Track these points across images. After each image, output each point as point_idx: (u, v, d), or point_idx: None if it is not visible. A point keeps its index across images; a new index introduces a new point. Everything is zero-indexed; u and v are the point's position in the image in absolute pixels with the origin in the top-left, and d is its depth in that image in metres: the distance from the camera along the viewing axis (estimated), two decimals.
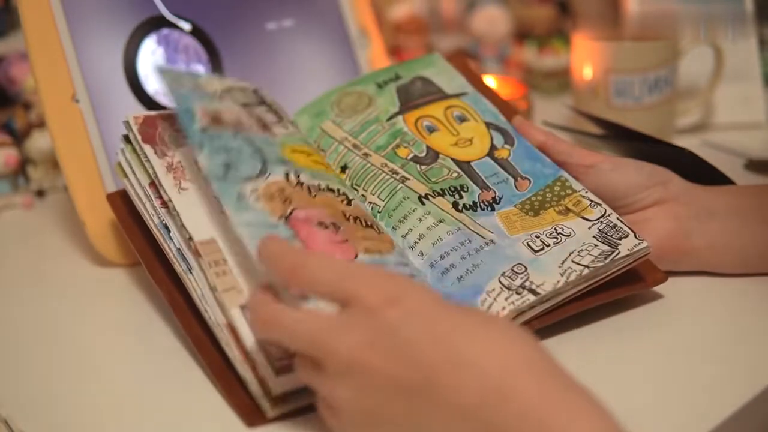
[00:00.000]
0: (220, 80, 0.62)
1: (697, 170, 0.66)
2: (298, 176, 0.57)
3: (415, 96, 0.68)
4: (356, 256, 0.55)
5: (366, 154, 0.64)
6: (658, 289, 0.60)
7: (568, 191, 0.60)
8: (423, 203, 0.60)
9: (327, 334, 0.42)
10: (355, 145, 0.64)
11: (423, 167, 0.62)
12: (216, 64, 0.75)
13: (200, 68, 0.74)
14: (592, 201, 0.59)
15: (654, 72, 0.86)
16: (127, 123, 0.60)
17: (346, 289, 0.43)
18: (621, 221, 0.58)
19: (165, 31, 0.74)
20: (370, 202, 0.61)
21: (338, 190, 0.59)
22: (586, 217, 0.58)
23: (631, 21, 0.96)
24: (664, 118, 0.89)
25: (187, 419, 0.51)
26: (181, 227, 0.55)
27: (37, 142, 0.84)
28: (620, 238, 0.57)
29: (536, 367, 0.40)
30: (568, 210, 0.59)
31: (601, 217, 0.58)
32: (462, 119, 0.65)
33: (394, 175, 0.62)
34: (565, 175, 0.61)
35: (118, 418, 0.52)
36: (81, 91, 0.69)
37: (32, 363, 0.58)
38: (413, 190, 0.61)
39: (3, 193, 0.82)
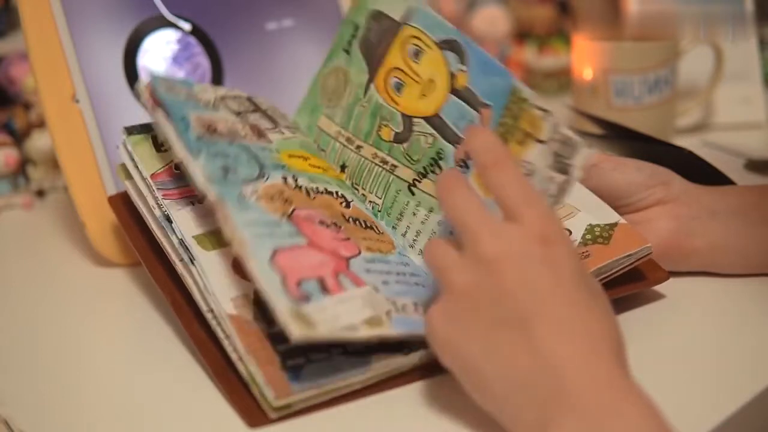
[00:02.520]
0: (214, 89, 0.62)
1: (697, 170, 0.66)
2: (296, 180, 0.57)
3: (374, 46, 0.64)
4: (359, 253, 0.55)
5: (359, 147, 0.63)
6: (659, 288, 0.60)
7: (523, 105, 0.54)
8: (413, 193, 0.60)
9: (484, 231, 0.46)
10: (348, 139, 0.64)
11: (405, 146, 0.61)
12: (216, 64, 0.75)
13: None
14: (540, 108, 0.53)
15: (654, 72, 0.86)
16: (137, 89, 0.58)
17: (521, 208, 0.47)
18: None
19: (190, 40, 0.74)
20: (371, 202, 0.61)
21: (336, 192, 0.59)
22: (539, 138, 0.53)
23: (631, 21, 0.96)
24: (664, 118, 0.89)
25: (187, 420, 0.51)
26: (195, 184, 0.54)
27: (37, 142, 0.83)
28: (571, 157, 0.52)
29: (611, 355, 0.44)
30: (526, 136, 0.54)
31: (552, 132, 0.53)
32: (417, 53, 0.62)
33: (384, 166, 0.62)
34: (515, 83, 0.55)
35: (118, 419, 0.52)
36: (81, 91, 0.69)
37: (32, 363, 0.58)
38: (403, 180, 0.60)
39: (3, 193, 0.82)
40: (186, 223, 0.57)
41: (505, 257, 0.45)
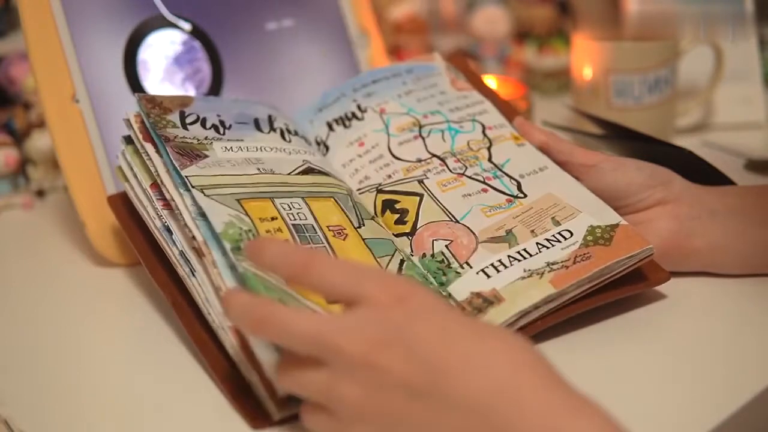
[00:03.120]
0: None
1: (697, 170, 0.66)
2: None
3: None
4: None
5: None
6: (660, 289, 0.60)
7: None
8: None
9: (335, 333, 0.42)
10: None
11: None
12: (216, 64, 0.75)
13: (191, 90, 0.74)
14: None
15: (654, 72, 0.86)
16: (127, 121, 0.60)
17: (355, 288, 0.43)
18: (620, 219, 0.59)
19: (195, 44, 0.74)
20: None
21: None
22: None
23: (631, 21, 0.96)
24: (664, 118, 0.89)
25: (189, 420, 0.51)
26: (184, 226, 0.55)
27: (37, 142, 0.83)
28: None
29: (539, 369, 0.41)
30: None
31: None
32: None
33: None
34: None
35: (118, 419, 0.52)
36: (81, 91, 0.69)
37: (32, 363, 0.58)
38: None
39: (3, 193, 0.82)
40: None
41: (377, 346, 0.41)
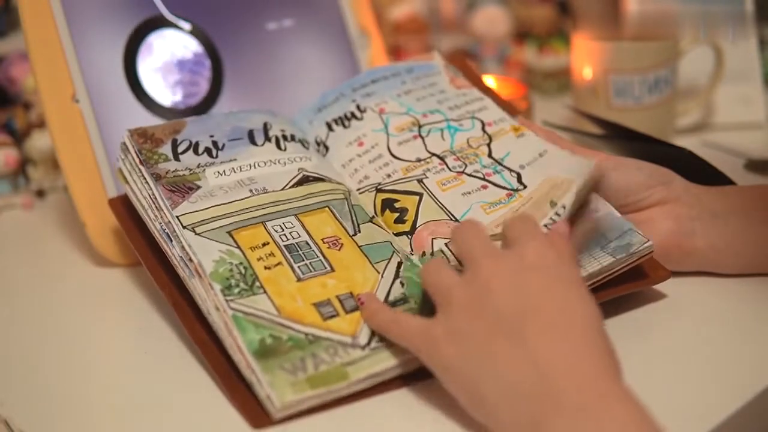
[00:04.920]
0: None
1: (697, 170, 0.66)
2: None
3: None
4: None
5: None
6: (660, 288, 0.60)
7: None
8: None
9: (481, 254, 0.50)
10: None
11: None
12: (216, 64, 0.75)
13: (178, 95, 0.73)
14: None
15: (654, 72, 0.86)
16: (124, 145, 0.62)
17: (518, 238, 0.50)
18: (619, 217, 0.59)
19: (205, 61, 0.74)
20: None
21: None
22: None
23: (631, 21, 0.96)
24: (664, 118, 0.89)
25: (189, 420, 0.51)
26: (182, 248, 0.55)
27: (37, 142, 0.83)
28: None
29: (599, 359, 0.46)
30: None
31: None
32: None
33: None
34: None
35: (118, 419, 0.52)
36: (81, 91, 0.69)
37: (32, 363, 0.58)
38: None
39: (3, 193, 0.82)
40: None
41: (497, 275, 0.48)
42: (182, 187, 0.59)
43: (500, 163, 0.63)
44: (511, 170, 0.62)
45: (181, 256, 0.56)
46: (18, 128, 0.85)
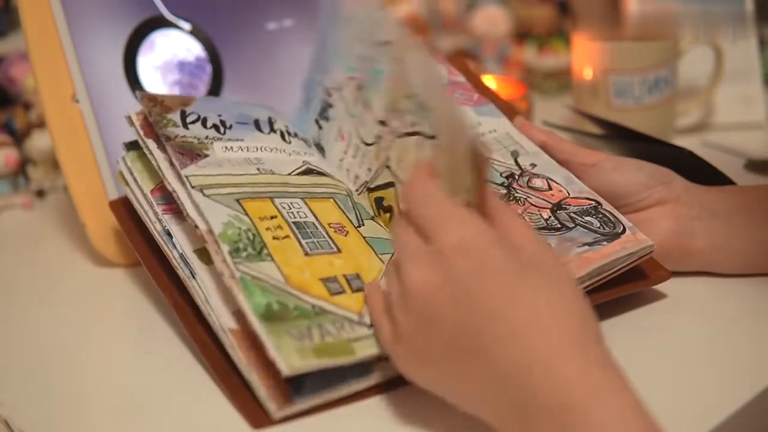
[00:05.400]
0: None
1: (697, 170, 0.66)
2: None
3: None
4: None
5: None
6: (660, 288, 0.60)
7: None
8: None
9: (411, 255, 0.46)
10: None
11: None
12: (216, 64, 0.75)
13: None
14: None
15: (654, 72, 0.86)
16: (129, 119, 0.60)
17: (432, 226, 0.45)
18: (615, 215, 0.58)
19: (207, 67, 0.74)
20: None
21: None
22: None
23: (631, 21, 0.96)
24: (664, 118, 0.89)
25: (190, 421, 0.51)
26: (187, 216, 0.55)
27: (37, 142, 0.83)
28: None
29: (585, 343, 0.42)
30: None
31: None
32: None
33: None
34: None
35: (118, 419, 0.52)
36: (81, 91, 0.69)
37: (32, 363, 0.58)
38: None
39: (3, 193, 0.82)
40: (186, 237, 0.57)
41: (429, 285, 0.44)
42: (191, 152, 0.58)
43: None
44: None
45: (181, 255, 0.56)
46: (18, 128, 0.85)
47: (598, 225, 0.58)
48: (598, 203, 0.60)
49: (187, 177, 0.56)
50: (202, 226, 0.54)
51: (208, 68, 0.75)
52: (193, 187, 0.55)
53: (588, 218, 0.58)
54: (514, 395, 0.42)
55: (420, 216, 0.47)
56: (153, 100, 0.61)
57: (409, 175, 0.49)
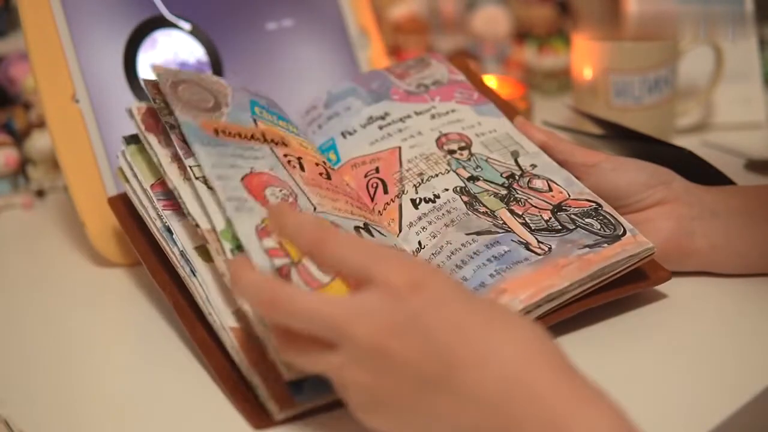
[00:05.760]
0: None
1: (697, 170, 0.66)
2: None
3: None
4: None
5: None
6: (660, 288, 0.60)
7: None
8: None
9: (347, 317, 0.42)
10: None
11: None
12: (216, 64, 0.75)
13: None
14: None
15: (654, 72, 0.86)
16: (130, 112, 0.60)
17: (370, 270, 0.42)
18: (616, 217, 0.58)
19: (207, 71, 0.74)
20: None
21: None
22: None
23: (631, 21, 0.96)
24: (664, 118, 0.89)
25: (190, 421, 0.51)
26: (188, 214, 0.55)
27: (37, 142, 0.83)
28: None
29: (551, 360, 0.41)
30: None
31: None
32: None
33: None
34: None
35: (119, 419, 0.52)
36: (81, 91, 0.69)
37: (32, 363, 0.58)
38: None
39: (3, 193, 0.82)
40: (187, 234, 0.57)
41: (388, 334, 0.41)
42: None
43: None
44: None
45: (181, 252, 0.56)
46: (18, 128, 0.85)
47: (599, 227, 0.58)
48: (599, 205, 0.60)
49: (191, 168, 0.55)
50: (203, 225, 0.53)
51: (208, 70, 0.75)
52: (197, 179, 0.55)
53: (589, 220, 0.58)
54: (490, 420, 0.40)
55: (344, 261, 0.43)
56: (156, 87, 0.60)
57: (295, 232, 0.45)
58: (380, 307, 0.42)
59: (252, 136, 0.59)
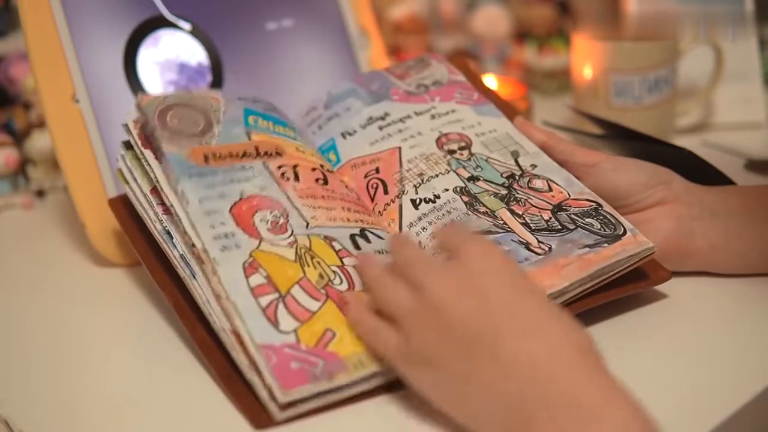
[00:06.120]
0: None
1: (697, 170, 0.66)
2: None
3: None
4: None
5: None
6: (660, 288, 0.60)
7: None
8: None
9: (427, 271, 0.48)
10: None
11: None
12: (216, 64, 0.75)
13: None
14: None
15: (654, 72, 0.86)
16: (126, 127, 0.60)
17: (459, 247, 0.49)
18: (616, 217, 0.59)
19: (207, 76, 0.74)
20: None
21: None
22: None
23: (631, 21, 0.96)
24: (664, 118, 0.89)
25: (190, 421, 0.51)
26: (184, 233, 0.55)
27: (37, 142, 0.83)
28: None
29: (586, 355, 0.44)
30: None
31: None
32: None
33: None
34: None
35: (119, 420, 0.52)
36: (81, 91, 0.69)
37: (32, 363, 0.58)
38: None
39: (3, 193, 0.82)
40: None
41: (448, 291, 0.47)
42: None
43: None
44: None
45: (181, 255, 0.56)
46: (18, 128, 0.85)
47: (599, 227, 0.58)
48: (599, 205, 0.60)
49: (183, 192, 0.56)
50: (199, 245, 0.54)
51: (208, 77, 0.75)
52: (188, 202, 0.55)
53: (589, 220, 0.58)
54: (519, 396, 0.43)
55: (446, 238, 0.51)
56: (140, 124, 0.60)
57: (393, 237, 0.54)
58: (454, 273, 0.47)
59: (244, 154, 0.59)
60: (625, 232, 0.58)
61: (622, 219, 0.59)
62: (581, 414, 0.42)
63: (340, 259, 0.56)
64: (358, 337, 0.51)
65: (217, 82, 0.75)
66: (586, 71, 0.89)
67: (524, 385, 0.43)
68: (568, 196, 0.61)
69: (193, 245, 0.54)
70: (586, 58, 0.89)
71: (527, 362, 0.44)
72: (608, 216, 0.59)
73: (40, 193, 0.84)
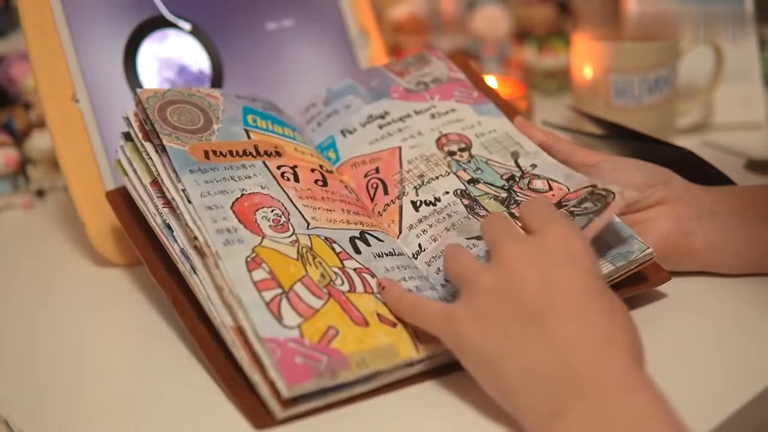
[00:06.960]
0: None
1: (697, 170, 0.66)
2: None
3: None
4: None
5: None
6: (660, 289, 0.60)
7: None
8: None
9: (513, 237, 0.50)
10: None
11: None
12: (216, 64, 0.75)
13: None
14: None
15: (654, 72, 0.86)
16: (127, 119, 0.60)
17: (543, 224, 0.51)
18: (607, 188, 0.58)
19: (206, 81, 0.74)
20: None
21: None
22: None
23: (631, 21, 0.96)
24: (664, 118, 0.89)
25: (190, 420, 0.51)
26: (185, 226, 0.55)
27: (37, 142, 0.83)
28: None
29: (632, 360, 0.45)
30: None
31: None
32: None
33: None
34: None
35: (119, 419, 0.52)
36: (81, 91, 0.69)
37: (32, 363, 0.58)
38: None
39: (3, 193, 0.82)
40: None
41: (521, 259, 0.48)
42: None
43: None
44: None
45: (182, 249, 0.56)
46: (18, 128, 0.86)
47: (592, 206, 0.57)
48: (594, 186, 0.58)
49: (184, 191, 0.55)
50: (201, 238, 0.53)
51: (207, 84, 0.74)
52: (190, 202, 0.55)
53: (585, 205, 0.58)
54: (554, 372, 0.45)
55: (529, 215, 0.52)
56: (141, 115, 0.60)
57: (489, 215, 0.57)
58: (532, 244, 0.49)
59: (244, 152, 0.59)
60: (613, 197, 0.56)
61: (613, 187, 0.57)
62: (609, 397, 0.43)
63: (341, 261, 0.56)
64: (361, 336, 0.51)
65: (217, 83, 0.75)
66: (586, 71, 0.89)
67: (559, 364, 0.45)
68: (567, 191, 0.60)
69: (196, 239, 0.54)
70: (586, 58, 0.89)
71: (566, 345, 0.45)
72: (601, 191, 0.57)
73: (40, 193, 0.84)
